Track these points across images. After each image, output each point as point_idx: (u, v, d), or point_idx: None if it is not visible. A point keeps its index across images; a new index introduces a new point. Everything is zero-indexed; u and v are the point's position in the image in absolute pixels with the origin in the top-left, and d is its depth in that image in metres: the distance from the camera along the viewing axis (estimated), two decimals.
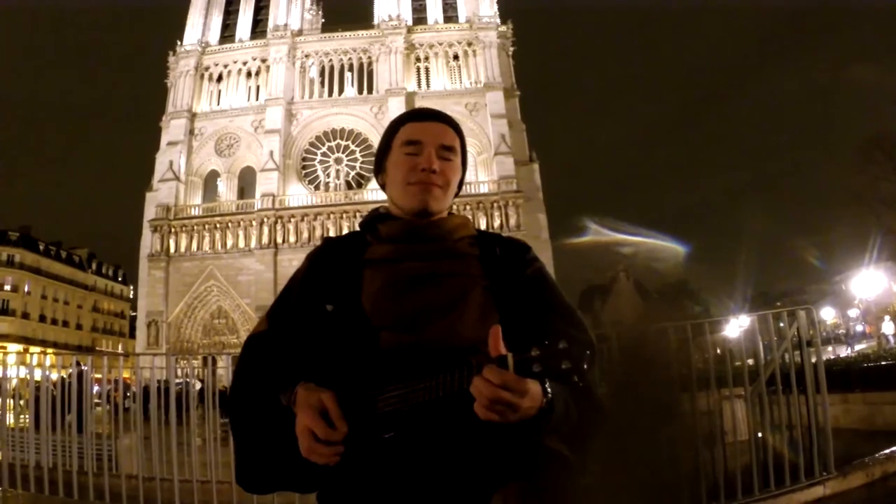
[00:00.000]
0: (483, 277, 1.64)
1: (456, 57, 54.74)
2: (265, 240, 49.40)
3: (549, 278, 1.72)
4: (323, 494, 1.52)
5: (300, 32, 56.45)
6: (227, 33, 57.51)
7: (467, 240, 1.72)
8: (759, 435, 5.23)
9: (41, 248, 74.83)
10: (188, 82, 54.67)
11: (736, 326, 6.97)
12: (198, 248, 50.27)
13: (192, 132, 53.70)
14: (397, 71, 53.21)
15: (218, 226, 50.67)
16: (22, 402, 7.61)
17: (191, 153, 53.33)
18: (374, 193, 46.52)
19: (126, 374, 8.38)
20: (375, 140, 47.14)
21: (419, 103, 45.66)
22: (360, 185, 51.87)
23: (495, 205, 48.63)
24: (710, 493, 4.72)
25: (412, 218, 1.70)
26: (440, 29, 55.67)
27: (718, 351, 6.05)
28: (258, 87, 55.09)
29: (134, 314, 67.53)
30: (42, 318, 73.73)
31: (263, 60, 55.04)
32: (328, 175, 53.05)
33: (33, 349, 51.62)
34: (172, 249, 50.28)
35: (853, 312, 51.63)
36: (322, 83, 55.16)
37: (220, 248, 50.13)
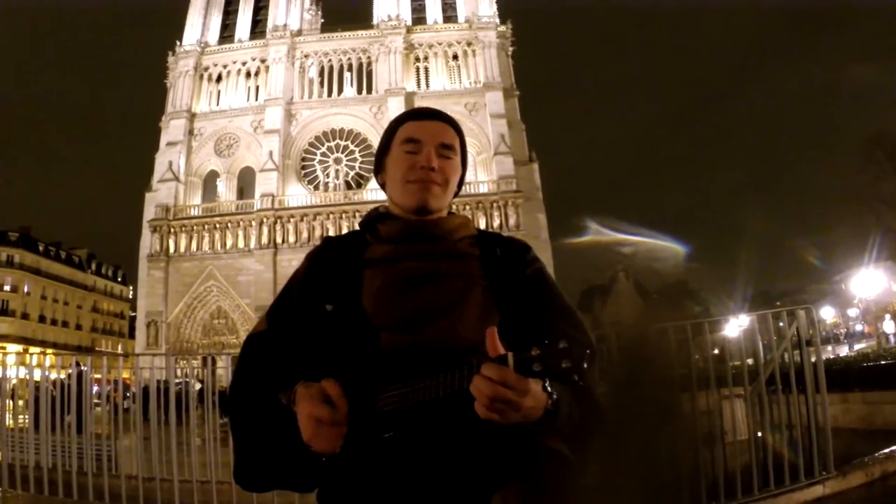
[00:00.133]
0: (483, 277, 1.64)
1: (455, 57, 54.75)
2: (265, 240, 49.40)
3: (549, 278, 1.72)
4: (322, 494, 1.52)
5: (299, 32, 56.45)
6: (227, 33, 57.51)
7: (467, 240, 1.72)
8: (759, 434, 5.24)
9: (41, 248, 74.81)
10: (187, 82, 54.67)
11: (736, 326, 6.96)
12: (197, 249, 50.27)
13: (191, 132, 53.70)
14: (397, 71, 53.21)
15: (217, 226, 50.67)
16: (21, 403, 7.61)
17: (190, 153, 53.33)
18: (373, 193, 46.53)
19: (125, 375, 8.38)
20: (375, 140, 47.24)
21: (418, 103, 45.60)
22: (359, 186, 51.87)
23: (495, 205, 48.64)
24: (709, 492, 4.72)
25: (411, 216, 1.70)
26: (439, 29, 55.68)
27: (716, 351, 6.04)
28: (257, 88, 55.09)
29: (133, 314, 67.51)
30: (42, 319, 73.72)
31: (263, 60, 55.05)
32: (327, 175, 53.05)
33: (33, 349, 51.66)
34: (172, 250, 50.29)
35: (853, 312, 51.67)
36: (321, 83, 55.17)
37: (219, 248, 50.13)
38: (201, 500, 5.76)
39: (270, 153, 51.36)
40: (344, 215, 48.89)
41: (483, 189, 49.36)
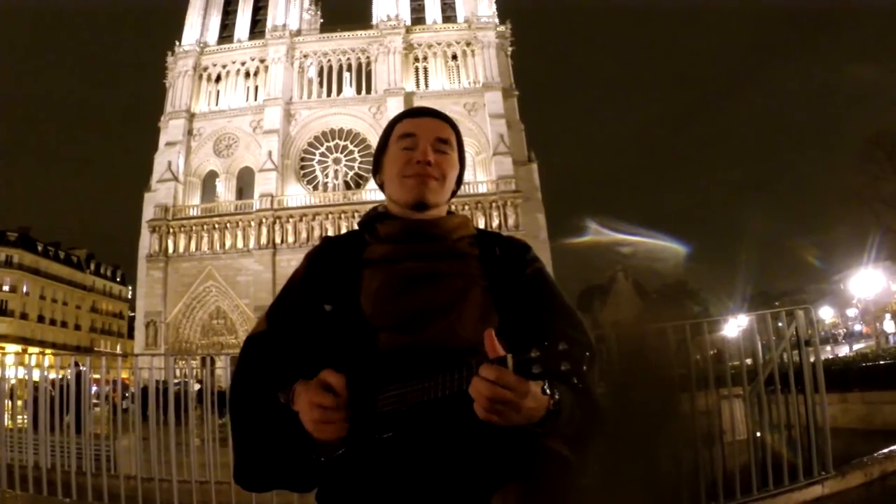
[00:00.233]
0: (483, 277, 1.63)
1: (454, 57, 54.77)
2: (264, 240, 49.40)
3: (548, 278, 1.71)
4: (321, 494, 1.52)
5: (299, 32, 56.45)
6: (226, 33, 57.51)
7: (467, 239, 1.72)
8: (758, 434, 5.24)
9: (40, 248, 74.75)
10: (186, 82, 54.67)
11: (735, 326, 6.97)
12: (196, 249, 50.27)
13: (190, 132, 53.70)
14: (396, 71, 53.23)
15: (216, 226, 50.67)
16: (20, 403, 7.60)
17: (189, 153, 53.32)
18: (372, 194, 46.51)
19: (124, 375, 8.37)
20: (374, 140, 47.18)
21: (418, 103, 45.58)
22: (358, 186, 51.87)
23: (494, 205, 48.67)
24: (708, 492, 4.72)
25: (410, 213, 1.70)
26: (439, 29, 55.69)
27: (715, 351, 6.04)
28: (257, 88, 55.09)
29: (132, 314, 67.52)
30: (41, 319, 73.66)
31: (262, 61, 55.04)
32: (326, 175, 53.06)
33: (32, 350, 51.62)
34: (171, 250, 50.29)
35: (852, 312, 51.70)
36: (320, 83, 55.18)
37: (218, 248, 50.13)
38: (200, 500, 5.75)
39: (269, 153, 51.36)
40: (343, 215, 48.89)
41: (482, 189, 49.38)
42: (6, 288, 70.28)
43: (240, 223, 50.37)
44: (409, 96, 51.68)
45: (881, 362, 13.57)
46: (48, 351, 50.56)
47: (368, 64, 54.86)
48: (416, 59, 54.78)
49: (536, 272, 1.69)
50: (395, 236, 1.69)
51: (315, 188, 52.71)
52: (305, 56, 55.60)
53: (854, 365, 13.89)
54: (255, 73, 55.33)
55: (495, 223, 47.26)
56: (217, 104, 54.96)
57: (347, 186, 52.34)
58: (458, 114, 48.09)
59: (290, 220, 49.77)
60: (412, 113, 1.80)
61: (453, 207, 1.83)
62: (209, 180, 53.93)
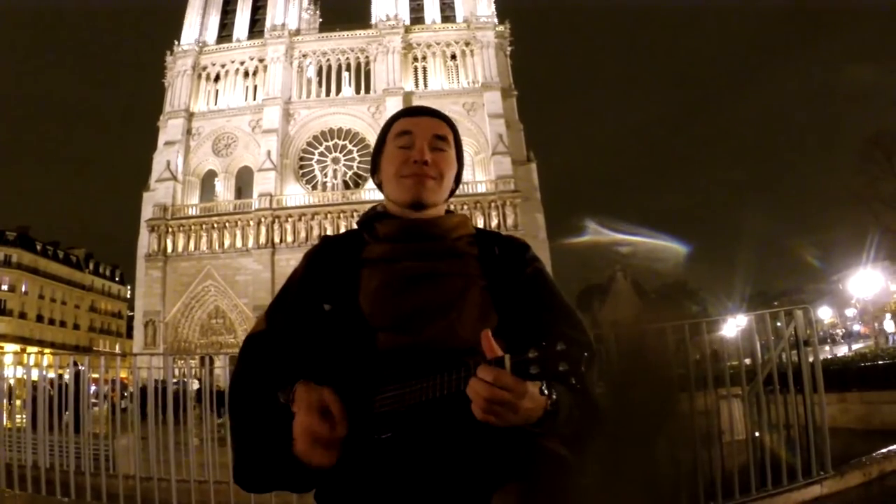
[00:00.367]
0: (482, 277, 1.63)
1: (454, 57, 54.75)
2: (262, 239, 49.38)
3: (548, 278, 1.71)
4: (320, 494, 1.52)
5: (298, 32, 56.43)
6: (225, 33, 57.47)
7: (466, 239, 1.71)
8: (757, 434, 5.24)
9: (39, 247, 74.72)
10: (185, 82, 54.63)
11: (734, 326, 6.97)
12: (195, 248, 50.24)
13: (189, 132, 53.66)
14: (395, 70, 53.21)
15: (215, 226, 50.65)
16: (18, 403, 7.60)
17: (188, 153, 53.29)
18: (371, 193, 46.46)
19: (123, 374, 8.37)
20: (373, 140, 46.92)
21: (416, 103, 44.97)
22: (357, 185, 51.84)
23: (493, 204, 48.67)
24: (707, 492, 4.72)
25: (408, 213, 1.70)
26: (438, 29, 55.67)
27: (713, 350, 6.05)
28: (255, 87, 55.05)
29: (131, 314, 67.55)
30: (39, 318, 73.63)
31: (261, 60, 55.01)
32: (325, 175, 53.04)
33: (31, 349, 51.55)
34: (170, 249, 50.26)
35: (850, 312, 51.73)
36: (319, 83, 55.16)
37: (217, 247, 50.11)
38: (199, 500, 5.75)
39: (268, 153, 51.33)
40: (342, 215, 48.88)
41: (481, 189, 49.38)
42: (5, 287, 70.25)
43: (239, 223, 50.34)
44: (408, 96, 51.67)
45: (880, 362, 13.58)
46: (47, 350, 50.53)
47: (367, 63, 54.84)
48: (415, 59, 54.76)
49: (536, 272, 1.69)
50: (394, 236, 1.68)
51: (314, 188, 52.69)
52: (304, 55, 55.57)
53: (853, 365, 13.90)
54: (254, 73, 55.30)
55: (494, 223, 47.26)
56: (216, 104, 54.92)
57: (346, 186, 52.32)
58: (457, 113, 48.14)
59: (289, 219, 49.76)
60: (409, 112, 1.80)
61: (452, 207, 1.82)
62: (208, 180, 53.89)
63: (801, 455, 5.09)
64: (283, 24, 55.73)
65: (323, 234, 43.91)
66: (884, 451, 5.86)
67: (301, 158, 53.62)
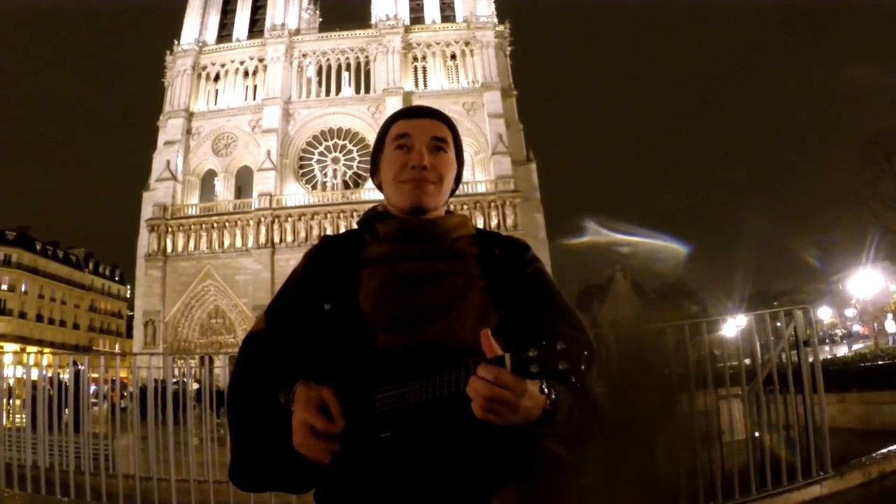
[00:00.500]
0: (482, 277, 1.63)
1: (453, 56, 54.75)
2: (262, 239, 49.37)
3: (548, 278, 1.71)
4: (319, 494, 1.52)
5: (297, 32, 56.43)
6: (225, 33, 57.46)
7: (466, 239, 1.71)
8: (757, 435, 5.24)
9: (38, 247, 74.71)
10: (185, 82, 54.63)
11: (733, 326, 6.97)
12: (195, 248, 50.24)
13: (189, 132, 53.65)
14: (394, 70, 53.21)
15: (215, 225, 50.65)
16: (18, 402, 7.59)
17: (188, 153, 53.28)
18: (371, 193, 46.45)
19: (123, 374, 8.37)
20: (372, 139, 46.80)
21: (416, 103, 45.20)
22: (357, 185, 51.84)
23: (492, 204, 48.67)
24: (707, 492, 4.72)
25: (408, 216, 1.69)
26: (437, 28, 55.67)
27: (715, 351, 6.04)
28: (255, 87, 55.05)
29: (131, 314, 67.57)
30: (39, 318, 73.63)
31: (261, 60, 55.01)
32: (325, 175, 53.03)
33: (30, 349, 51.53)
34: (170, 249, 50.26)
35: (850, 312, 51.73)
36: (319, 83, 55.17)
37: (217, 247, 50.11)
38: (198, 499, 5.75)
39: (268, 152, 51.33)
40: (342, 215, 48.88)
41: (481, 189, 49.38)
42: (5, 287, 70.26)
43: (238, 222, 50.34)
44: (407, 96, 51.68)
45: (879, 362, 13.58)
46: (47, 350, 50.56)
47: (367, 63, 54.83)
48: (415, 59, 54.76)
49: (536, 272, 1.69)
50: (395, 236, 1.68)
51: (314, 187, 52.69)
52: (304, 55, 55.57)
53: (852, 365, 13.90)
54: (254, 73, 55.30)
55: (494, 223, 47.27)
56: (216, 103, 54.92)
57: (346, 186, 52.33)
58: (456, 113, 48.15)
59: (289, 219, 49.76)
60: (407, 113, 1.79)
61: (451, 207, 1.82)
62: (208, 179, 53.89)
63: (801, 455, 5.09)
64: (283, 24, 55.72)
65: (323, 233, 43.91)
66: (883, 451, 5.86)
67: (301, 158, 53.61)
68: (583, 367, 1.28)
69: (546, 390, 1.32)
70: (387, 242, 1.68)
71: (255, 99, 54.46)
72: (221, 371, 6.71)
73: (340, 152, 53.36)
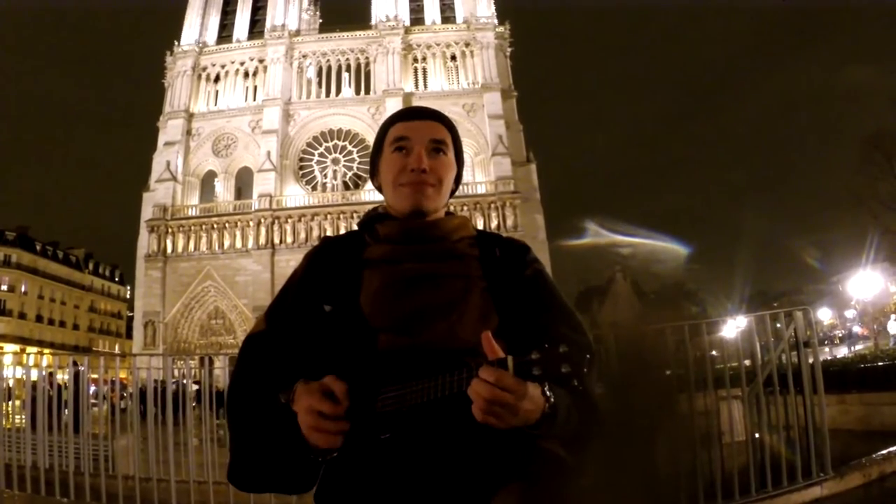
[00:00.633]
0: (482, 279, 1.63)
1: (454, 57, 54.78)
2: (262, 240, 49.38)
3: (548, 279, 1.71)
4: (319, 495, 1.52)
5: (298, 33, 56.45)
6: (225, 33, 57.49)
7: (467, 240, 1.71)
8: (757, 435, 5.24)
9: (38, 248, 74.68)
10: (185, 82, 54.64)
11: (733, 327, 6.97)
12: (195, 249, 50.25)
13: (189, 132, 53.68)
14: (395, 71, 53.23)
15: (215, 226, 50.67)
16: (18, 403, 7.59)
17: (188, 153, 53.30)
18: (371, 194, 46.45)
19: (123, 375, 8.37)
20: (372, 140, 47.04)
21: (416, 104, 45.21)
22: (357, 186, 51.87)
23: (492, 205, 48.69)
24: (707, 493, 4.72)
25: (408, 219, 1.69)
26: (438, 30, 55.70)
27: (714, 353, 6.05)
28: (255, 88, 55.08)
29: (131, 314, 67.56)
30: (39, 319, 73.60)
31: (261, 61, 55.03)
32: (325, 176, 53.05)
33: (30, 349, 51.55)
34: (169, 250, 50.27)
35: (850, 313, 51.71)
36: (319, 84, 55.19)
37: (217, 248, 50.12)
38: (198, 500, 5.75)
39: (268, 153, 51.34)
40: (342, 216, 48.90)
41: (481, 190, 49.41)
42: (4, 287, 70.24)
43: (238, 223, 50.36)
44: (407, 97, 51.71)
45: (879, 363, 13.56)
46: (46, 351, 50.54)
47: (367, 64, 54.86)
48: (415, 60, 54.79)
49: (536, 273, 1.69)
50: (395, 237, 1.68)
51: (314, 188, 52.71)
52: (304, 56, 55.59)
53: (852, 366, 13.87)
54: (254, 74, 55.32)
55: (494, 224, 47.29)
56: (216, 104, 54.94)
57: (346, 187, 52.35)
58: (456, 114, 48.16)
59: (289, 220, 49.77)
60: (405, 115, 1.78)
61: (451, 208, 1.82)
62: (208, 180, 53.90)
63: (801, 456, 5.09)
64: (283, 25, 55.75)
65: (323, 234, 43.91)
66: (884, 452, 5.86)
67: (301, 159, 53.63)
68: (584, 369, 1.28)
69: (548, 393, 1.32)
70: (387, 244, 1.67)
71: (255, 100, 54.47)
72: (221, 372, 6.71)
73: (340, 153, 53.38)
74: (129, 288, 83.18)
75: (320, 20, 59.99)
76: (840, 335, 55.88)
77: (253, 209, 50.09)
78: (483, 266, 1.65)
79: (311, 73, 55.51)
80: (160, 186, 51.47)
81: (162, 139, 53.99)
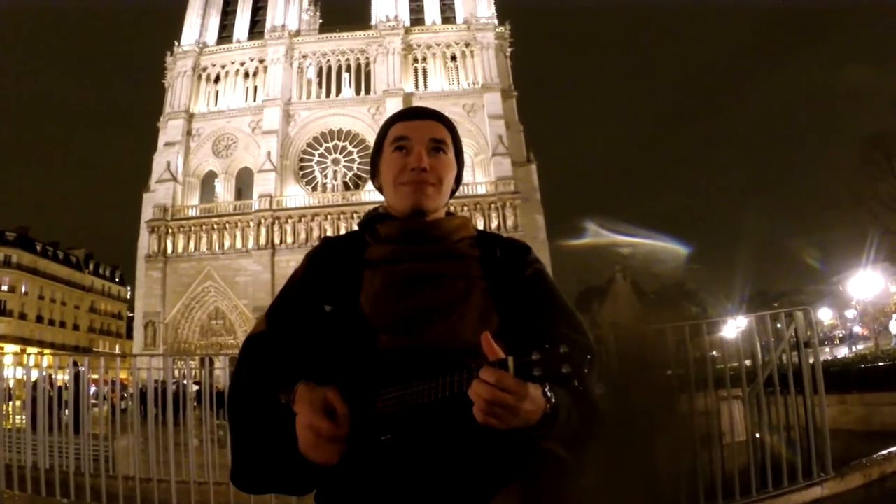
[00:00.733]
0: (483, 279, 1.63)
1: (454, 58, 54.77)
2: (263, 241, 49.37)
3: (548, 279, 1.70)
4: (320, 496, 1.52)
5: (298, 33, 56.44)
6: (225, 34, 57.49)
7: (467, 240, 1.71)
8: (757, 436, 5.23)
9: (38, 248, 74.67)
10: (186, 83, 54.64)
11: (734, 327, 6.96)
12: (195, 249, 50.25)
13: (189, 133, 53.68)
14: (395, 72, 53.23)
15: (215, 227, 50.66)
16: (18, 404, 7.60)
17: (188, 154, 53.30)
18: (371, 194, 46.45)
19: (123, 375, 8.37)
20: (373, 141, 46.91)
21: (417, 104, 45.18)
22: (357, 186, 51.86)
23: (493, 206, 48.67)
24: (707, 493, 4.72)
25: (408, 218, 1.69)
26: (438, 30, 55.71)
27: (715, 353, 6.04)
28: (256, 88, 55.07)
29: (131, 315, 67.56)
30: (39, 319, 73.59)
31: (261, 61, 55.02)
32: (325, 176, 53.05)
33: (30, 350, 51.55)
34: (170, 250, 50.26)
35: (850, 313, 51.68)
36: (320, 84, 55.18)
37: (217, 248, 50.12)
38: (198, 501, 5.75)
39: (268, 154, 51.34)
40: (342, 216, 48.90)
41: (481, 190, 49.39)
42: (5, 288, 70.22)
43: (239, 224, 50.36)
44: (408, 97, 51.70)
45: (880, 363, 13.55)
46: (47, 351, 50.55)
47: (367, 64, 54.85)
48: (416, 60, 54.79)
49: (537, 273, 1.69)
50: (396, 237, 1.68)
51: (314, 189, 52.70)
52: (304, 56, 55.59)
53: (853, 366, 13.85)
54: (255, 74, 55.32)
55: (494, 224, 47.27)
56: (216, 104, 54.94)
57: (346, 187, 52.35)
58: (457, 115, 48.16)
59: (289, 220, 49.76)
60: (405, 115, 1.79)
61: (451, 208, 1.82)
62: (208, 181, 53.90)
63: (802, 456, 5.09)
64: (284, 25, 55.75)
65: (323, 235, 43.94)
66: (884, 452, 5.85)
67: (301, 159, 53.63)
68: (585, 370, 1.28)
69: (549, 394, 1.32)
70: (388, 244, 1.67)
71: (255, 100, 54.46)
72: (222, 372, 6.70)
73: (341, 153, 53.38)
74: (129, 288, 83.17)
75: (320, 20, 59.96)
76: (840, 335, 55.84)
77: (253, 209, 50.08)
78: (484, 266, 1.65)
79: (311, 73, 55.51)
80: (160, 187, 51.47)
81: (162, 139, 53.99)
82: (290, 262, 45.39)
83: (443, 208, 1.75)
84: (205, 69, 55.68)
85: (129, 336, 69.45)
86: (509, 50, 55.97)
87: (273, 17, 56.22)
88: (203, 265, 49.72)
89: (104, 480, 6.11)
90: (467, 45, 54.60)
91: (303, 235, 48.89)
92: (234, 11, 57.92)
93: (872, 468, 5.41)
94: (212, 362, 7.45)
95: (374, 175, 1.82)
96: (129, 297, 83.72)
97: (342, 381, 1.44)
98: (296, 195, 51.58)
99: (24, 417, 7.14)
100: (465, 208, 46.58)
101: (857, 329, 50.36)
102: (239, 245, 49.87)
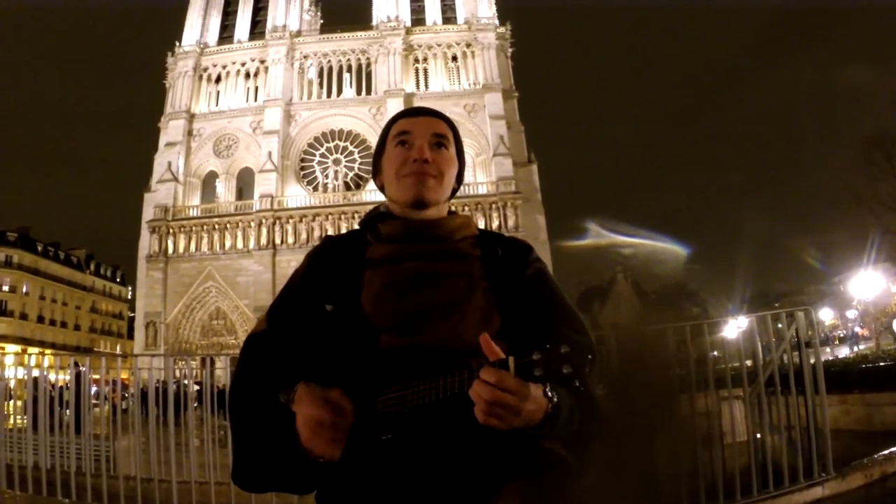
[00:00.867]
0: (484, 278, 1.62)
1: (455, 58, 54.81)
2: (263, 241, 49.42)
3: (550, 279, 1.70)
4: (321, 495, 1.52)
5: (299, 33, 56.49)
6: (226, 34, 57.55)
7: (469, 240, 1.71)
8: (758, 436, 5.24)
9: (39, 248, 74.71)
10: (186, 83, 54.70)
11: (735, 328, 6.97)
12: (196, 249, 50.30)
13: (190, 133, 53.74)
14: (396, 72, 53.26)
15: (216, 227, 50.70)
16: (19, 404, 7.60)
17: (189, 154, 53.35)
18: (372, 194, 46.53)
19: (124, 376, 8.38)
20: (374, 141, 47.04)
21: (417, 104, 45.33)
22: (358, 186, 51.91)
23: (494, 206, 48.69)
24: (708, 493, 4.72)
25: (411, 213, 1.69)
26: (439, 30, 55.75)
27: (715, 353, 6.05)
28: (257, 88, 55.14)
29: (132, 315, 67.56)
30: (40, 319, 73.61)
31: (262, 61, 55.07)
32: (326, 176, 53.09)
33: (31, 350, 51.54)
34: (171, 250, 50.31)
35: (851, 314, 51.63)
36: (321, 84, 55.23)
37: (218, 249, 50.17)
38: (199, 500, 5.75)
39: (269, 154, 51.38)
40: (343, 216, 48.94)
41: (482, 190, 49.42)
42: (6, 288, 70.26)
43: (240, 224, 50.40)
44: (409, 97, 51.72)
45: (881, 364, 13.56)
46: (48, 351, 50.57)
47: (368, 65, 54.89)
48: (416, 61, 54.82)
49: (538, 273, 1.68)
50: (397, 236, 1.68)
51: (315, 189, 52.74)
52: (305, 57, 55.63)
53: (854, 366, 13.86)
54: (255, 74, 55.37)
55: (495, 224, 47.29)
56: (217, 105, 54.99)
57: (347, 187, 52.39)
58: (458, 115, 48.20)
59: (290, 220, 49.80)
60: (408, 113, 1.80)
61: (452, 208, 1.82)
62: (209, 181, 53.96)
63: (803, 456, 5.09)
64: (285, 26, 55.79)
65: (324, 235, 43.92)
66: (885, 452, 5.85)
67: (302, 160, 53.67)
68: (586, 370, 1.28)
69: (550, 394, 1.32)
70: (389, 243, 1.67)
71: (256, 100, 54.52)
72: (223, 372, 6.71)
73: (341, 154, 53.42)
74: (130, 288, 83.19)
75: (321, 21, 60.01)
76: (841, 335, 55.75)
77: (254, 210, 50.13)
78: (485, 266, 1.65)
79: (312, 73, 55.55)
80: (161, 187, 51.52)
81: (163, 140, 54.05)
82: (290, 262, 45.40)
83: (444, 206, 1.75)
84: (206, 69, 55.73)
85: (130, 336, 69.43)
86: (510, 50, 56.03)
87: (274, 17, 56.27)
88: (204, 265, 49.77)
89: (105, 480, 6.11)
90: (468, 45, 54.64)
91: (304, 235, 48.93)
92: (235, 12, 57.98)
93: (873, 468, 5.41)
94: (213, 362, 7.46)
95: (376, 174, 1.83)
96: (129, 297, 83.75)
97: (343, 381, 1.44)
98: (297, 195, 51.61)
99: (24, 417, 7.14)
100: (467, 208, 46.58)
101: (858, 329, 50.33)
102: (240, 245, 49.92)
